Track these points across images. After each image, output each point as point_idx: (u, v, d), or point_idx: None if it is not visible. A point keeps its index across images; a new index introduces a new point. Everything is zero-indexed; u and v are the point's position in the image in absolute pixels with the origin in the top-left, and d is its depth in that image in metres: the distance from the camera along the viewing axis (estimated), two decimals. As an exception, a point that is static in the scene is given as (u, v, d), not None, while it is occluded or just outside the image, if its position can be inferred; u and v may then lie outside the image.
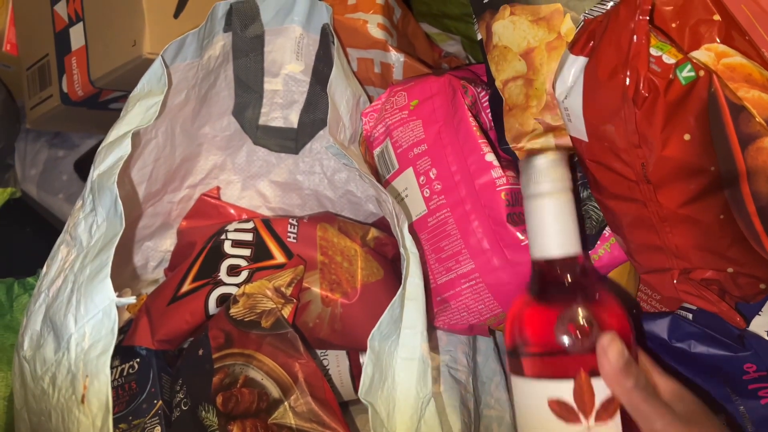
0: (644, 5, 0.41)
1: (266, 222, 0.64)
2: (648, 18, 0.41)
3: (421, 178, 0.57)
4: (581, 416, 0.37)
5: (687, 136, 0.40)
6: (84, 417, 0.38)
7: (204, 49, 0.58)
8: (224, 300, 0.60)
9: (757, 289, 0.41)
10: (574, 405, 0.37)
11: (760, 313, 0.49)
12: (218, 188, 0.71)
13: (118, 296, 0.38)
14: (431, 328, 0.60)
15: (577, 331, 0.38)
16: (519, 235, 0.51)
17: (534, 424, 0.39)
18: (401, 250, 0.49)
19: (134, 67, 0.64)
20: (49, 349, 0.42)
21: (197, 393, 0.55)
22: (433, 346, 0.58)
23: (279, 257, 0.61)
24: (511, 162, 0.56)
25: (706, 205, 0.41)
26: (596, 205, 0.53)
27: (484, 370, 0.62)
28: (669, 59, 0.40)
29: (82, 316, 0.40)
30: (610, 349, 0.36)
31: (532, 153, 0.55)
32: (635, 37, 0.41)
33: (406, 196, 0.58)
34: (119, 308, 0.65)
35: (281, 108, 0.68)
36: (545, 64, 0.53)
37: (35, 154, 0.84)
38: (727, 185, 0.40)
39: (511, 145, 0.57)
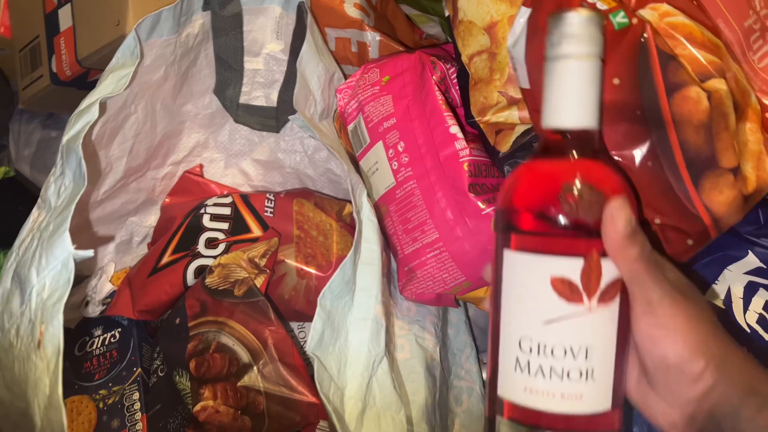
0: None
1: (244, 197, 0.65)
2: None
3: (390, 151, 0.58)
4: (584, 296, 0.35)
5: (616, 80, 0.41)
6: (40, 361, 0.39)
7: (181, 26, 0.60)
8: (202, 271, 0.61)
9: (685, 245, 0.41)
10: (580, 284, 0.35)
11: (716, 282, 0.49)
12: (201, 166, 0.72)
13: (76, 249, 0.39)
14: (401, 300, 0.61)
15: (585, 201, 0.35)
16: (480, 204, 0.52)
17: (527, 303, 0.36)
18: (354, 215, 0.51)
19: (118, 46, 0.66)
20: (16, 303, 0.44)
21: (173, 360, 0.57)
22: (402, 316, 0.60)
23: (256, 230, 0.63)
24: (477, 136, 0.58)
25: (634, 151, 0.42)
26: None
27: (455, 342, 0.64)
28: (602, 5, 0.41)
29: (43, 268, 0.41)
30: (619, 215, 0.34)
31: (497, 126, 0.57)
32: None
33: (377, 169, 0.59)
34: (103, 280, 0.68)
35: (262, 87, 0.70)
36: (507, 39, 0.54)
37: (29, 135, 0.86)
38: (655, 132, 0.40)
39: (476, 119, 0.58)
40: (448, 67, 0.60)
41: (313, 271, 0.61)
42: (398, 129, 0.57)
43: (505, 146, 0.56)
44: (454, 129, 0.55)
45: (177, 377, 0.55)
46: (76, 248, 0.40)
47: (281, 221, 0.63)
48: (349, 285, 0.49)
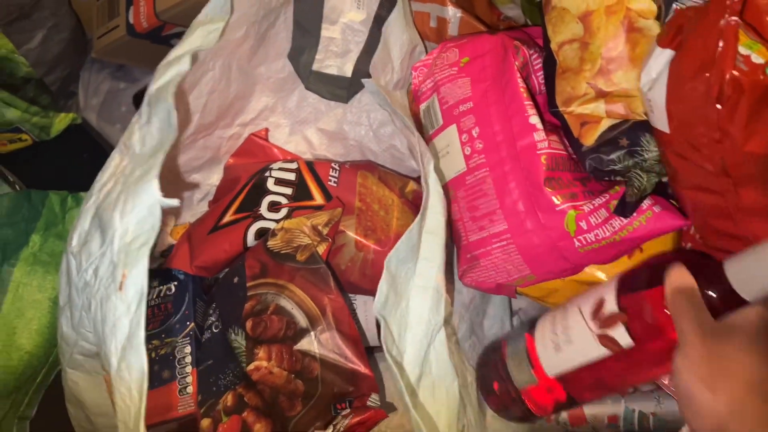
0: (734, 6, 0.40)
1: (309, 164, 0.65)
2: (737, 18, 0.40)
3: (464, 135, 0.57)
4: None
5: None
6: (120, 303, 0.40)
7: (267, -13, 0.60)
8: (262, 234, 0.62)
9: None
10: None
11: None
12: (267, 130, 0.73)
13: (164, 197, 0.40)
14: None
15: None
16: (554, 199, 0.51)
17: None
18: (422, 183, 0.50)
19: (197, 2, 0.66)
20: (95, 244, 0.45)
21: (228, 317, 0.57)
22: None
23: (318, 199, 0.63)
24: (558, 127, 0.56)
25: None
26: (641, 173, 0.53)
27: (488, 334, 0.64)
28: (758, 59, 0.40)
29: (127, 212, 0.41)
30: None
31: (583, 118, 0.55)
32: (722, 40, 0.40)
33: (447, 153, 0.58)
34: (163, 233, 0.69)
35: (336, 56, 0.69)
36: (602, 28, 0.52)
37: (98, 84, 0.87)
38: None
39: (560, 109, 0.57)
40: (531, 53, 0.58)
41: (371, 244, 0.61)
42: (474, 114, 0.56)
43: (589, 140, 0.55)
44: (534, 119, 0.53)
45: (232, 335, 0.56)
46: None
47: (344, 192, 0.63)
48: (414, 251, 0.49)
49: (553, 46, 0.56)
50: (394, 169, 0.72)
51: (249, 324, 0.54)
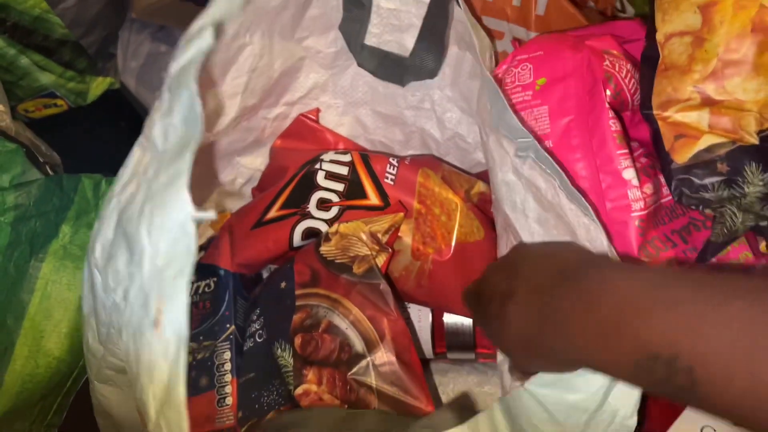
0: None
1: (365, 157, 0.58)
2: None
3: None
4: None
5: None
6: (157, 342, 0.34)
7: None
8: (309, 233, 0.56)
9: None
10: None
11: None
12: (318, 110, 0.66)
13: (198, 210, 0.33)
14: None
15: None
16: None
17: None
18: None
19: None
20: (122, 261, 0.39)
21: (275, 327, 0.52)
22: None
23: (373, 198, 0.56)
24: (651, 158, 0.48)
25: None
26: (735, 210, 0.45)
27: None
28: None
29: (156, 228, 0.35)
30: None
31: (680, 129, 0.47)
32: None
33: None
34: (200, 224, 0.63)
35: (395, 30, 0.61)
36: (726, 24, 0.44)
37: (138, 46, 0.81)
38: None
39: (655, 112, 0.48)
40: (620, 66, 0.49)
41: (430, 253, 0.55)
42: (554, 156, 0.48)
43: (681, 157, 0.47)
44: (629, 173, 0.46)
45: (278, 350, 0.51)
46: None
47: (402, 191, 0.57)
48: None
49: (659, 36, 0.47)
50: (457, 161, 0.65)
51: (298, 340, 0.49)
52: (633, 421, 0.38)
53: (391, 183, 0.57)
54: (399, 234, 0.55)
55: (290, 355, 0.49)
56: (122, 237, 0.40)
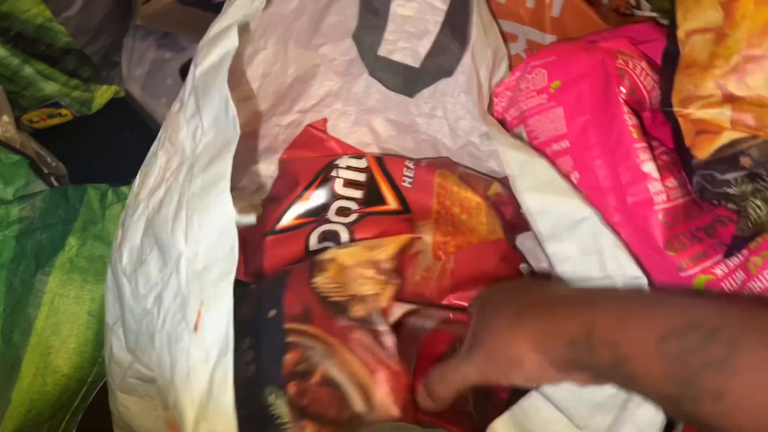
0: None
1: (380, 161, 0.58)
2: None
3: (563, 180, 0.49)
4: None
5: None
6: (196, 348, 0.33)
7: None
8: (327, 237, 0.55)
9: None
10: None
11: None
12: (325, 120, 0.65)
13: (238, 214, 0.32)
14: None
15: None
16: (679, 264, 0.44)
17: None
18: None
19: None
20: (154, 267, 0.38)
21: (265, 369, 0.44)
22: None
23: (392, 202, 0.56)
24: (671, 156, 0.48)
25: None
26: (760, 203, 0.45)
27: None
28: None
29: (194, 232, 0.34)
30: None
31: (701, 125, 0.47)
32: None
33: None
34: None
35: (410, 38, 0.61)
36: (748, 19, 0.44)
37: (142, 53, 0.81)
38: None
39: (675, 109, 0.48)
40: (634, 64, 0.49)
41: (452, 252, 0.54)
42: (572, 155, 0.48)
43: (702, 152, 0.46)
44: (648, 166, 0.45)
45: (272, 396, 0.42)
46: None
47: (420, 193, 0.56)
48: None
49: (680, 33, 0.47)
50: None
51: (292, 389, 0.42)
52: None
53: (409, 186, 0.56)
54: (419, 234, 0.54)
55: (285, 403, 0.42)
56: (152, 242, 0.40)
